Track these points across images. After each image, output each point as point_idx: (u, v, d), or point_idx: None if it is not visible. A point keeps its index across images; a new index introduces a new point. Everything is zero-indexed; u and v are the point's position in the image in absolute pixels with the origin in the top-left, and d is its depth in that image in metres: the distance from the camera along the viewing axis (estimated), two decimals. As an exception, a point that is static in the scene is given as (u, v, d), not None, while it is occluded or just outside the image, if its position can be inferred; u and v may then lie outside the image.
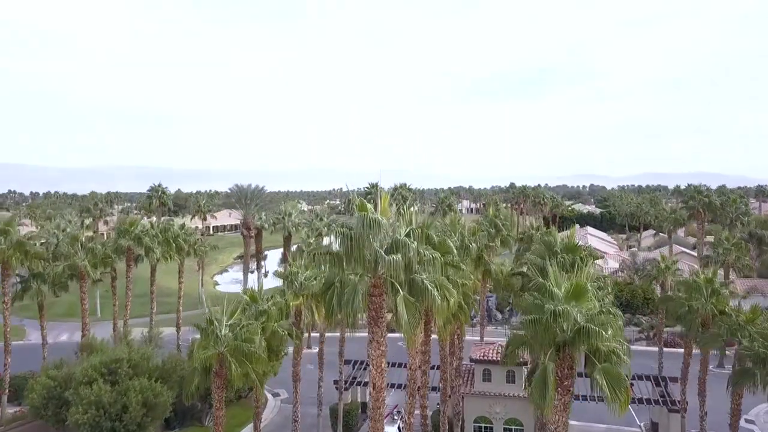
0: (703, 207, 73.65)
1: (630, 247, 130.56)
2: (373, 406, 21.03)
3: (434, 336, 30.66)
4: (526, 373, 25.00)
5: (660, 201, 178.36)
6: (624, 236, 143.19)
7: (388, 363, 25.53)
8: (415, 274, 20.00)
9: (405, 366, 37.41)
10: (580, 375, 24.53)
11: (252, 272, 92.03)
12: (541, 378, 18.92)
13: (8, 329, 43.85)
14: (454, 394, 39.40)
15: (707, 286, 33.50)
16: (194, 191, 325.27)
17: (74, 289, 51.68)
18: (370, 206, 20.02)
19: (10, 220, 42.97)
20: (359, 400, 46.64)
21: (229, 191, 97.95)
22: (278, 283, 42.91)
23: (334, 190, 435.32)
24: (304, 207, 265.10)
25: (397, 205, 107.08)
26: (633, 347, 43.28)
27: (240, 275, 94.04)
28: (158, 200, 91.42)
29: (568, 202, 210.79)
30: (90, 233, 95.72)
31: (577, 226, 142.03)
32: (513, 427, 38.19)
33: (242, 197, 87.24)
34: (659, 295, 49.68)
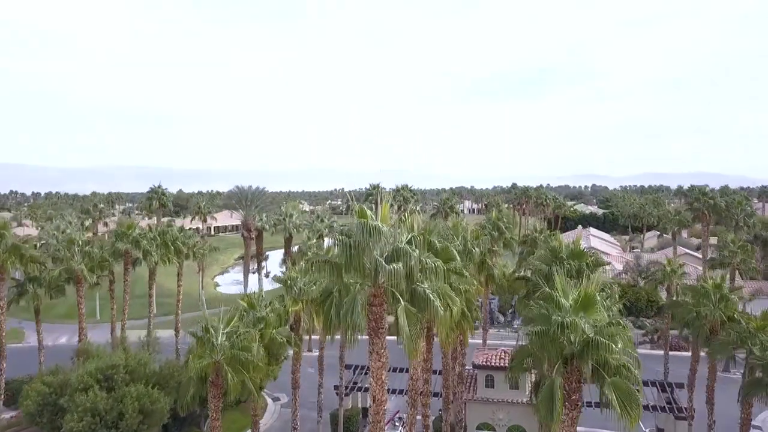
0: (708, 209, 72.88)
1: (633, 248, 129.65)
2: (373, 419, 20.35)
3: (436, 339, 30.02)
4: (530, 381, 24.28)
5: (663, 202, 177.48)
6: (627, 237, 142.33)
7: (389, 368, 24.90)
8: (417, 284, 19.26)
9: (406, 371, 36.81)
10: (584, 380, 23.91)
11: (253, 272, 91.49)
12: (548, 393, 18.22)
13: (3, 334, 43.21)
14: (456, 401, 38.75)
15: (716, 291, 32.73)
16: (195, 191, 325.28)
17: (73, 291, 51.18)
18: (370, 213, 19.30)
19: (5, 224, 42.33)
20: (360, 405, 45.97)
21: (229, 192, 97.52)
22: (279, 284, 42.41)
23: (335, 190, 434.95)
24: (306, 207, 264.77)
25: (398, 206, 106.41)
26: (637, 350, 42.57)
27: (241, 276, 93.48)
28: (158, 201, 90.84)
29: (570, 203, 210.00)
30: (90, 234, 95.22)
31: (580, 227, 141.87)
32: (516, 434, 37.53)
33: (242, 199, 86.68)
34: (665, 299, 48.87)
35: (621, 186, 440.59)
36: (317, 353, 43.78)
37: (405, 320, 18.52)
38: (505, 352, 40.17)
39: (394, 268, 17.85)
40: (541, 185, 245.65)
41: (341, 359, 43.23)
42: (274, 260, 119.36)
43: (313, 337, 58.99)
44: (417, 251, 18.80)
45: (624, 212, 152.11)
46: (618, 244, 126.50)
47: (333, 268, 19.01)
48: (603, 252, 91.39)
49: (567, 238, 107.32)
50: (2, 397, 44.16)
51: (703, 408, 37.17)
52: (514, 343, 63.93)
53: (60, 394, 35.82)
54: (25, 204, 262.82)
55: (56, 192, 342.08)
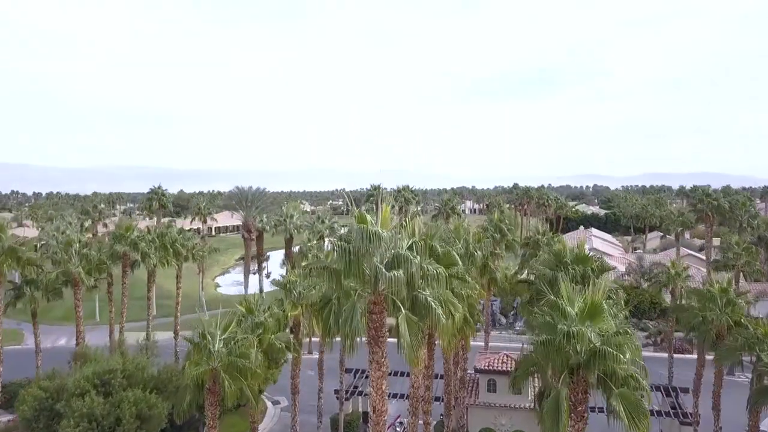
0: (712, 210, 72.22)
1: (635, 249, 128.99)
2: (373, 430, 19.82)
3: (438, 342, 29.49)
4: (533, 385, 23.73)
5: (665, 202, 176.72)
6: (629, 238, 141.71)
7: (390, 372, 24.41)
8: (419, 291, 18.73)
9: (407, 375, 36.31)
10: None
11: (254, 273, 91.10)
12: (553, 404, 17.66)
13: (0, 337, 42.76)
14: (458, 406, 38.25)
15: (722, 295, 32.15)
16: (196, 192, 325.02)
17: (71, 294, 50.73)
18: (369, 218, 18.77)
19: (1, 226, 41.88)
20: (361, 410, 45.46)
21: (230, 193, 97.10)
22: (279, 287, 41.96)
23: (336, 190, 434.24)
24: (307, 208, 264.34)
25: (399, 207, 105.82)
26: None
27: (242, 277, 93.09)
28: (158, 202, 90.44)
29: (571, 203, 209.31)
30: (90, 235, 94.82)
31: (582, 227, 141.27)
32: (519, 439, 36.96)
33: (243, 199, 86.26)
34: (669, 302, 48.30)
35: (622, 186, 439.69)
36: (317, 356, 43.27)
37: (406, 329, 18.00)
38: (507, 356, 39.64)
39: (394, 275, 17.33)
40: (542, 185, 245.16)
41: (341, 363, 42.75)
42: (275, 260, 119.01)
43: (313, 339, 58.52)
44: (418, 257, 18.27)
45: (626, 213, 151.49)
46: (620, 244, 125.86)
47: (332, 275, 18.52)
48: (605, 253, 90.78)
49: (569, 238, 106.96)
50: (0, 400, 43.74)
51: (708, 413, 36.62)
52: (516, 345, 63.71)
53: (57, 399, 35.35)
54: (27, 204, 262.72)
55: (57, 192, 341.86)
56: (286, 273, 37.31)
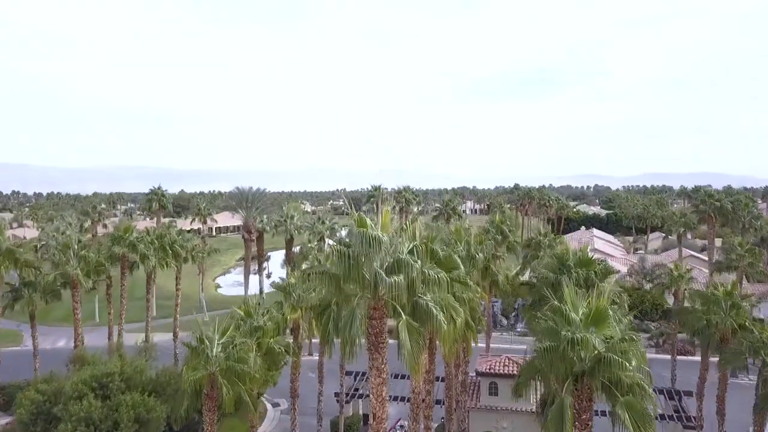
0: (714, 211, 71.77)
1: (637, 249, 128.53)
2: (373, 439, 19.47)
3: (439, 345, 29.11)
4: (535, 389, 23.32)
5: (666, 203, 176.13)
6: (631, 239, 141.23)
7: (390, 375, 24.07)
8: (419, 297, 18.35)
9: (408, 377, 35.97)
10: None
11: (254, 273, 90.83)
12: (557, 413, 17.29)
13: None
14: (459, 409, 37.91)
15: (726, 299, 31.74)
16: (197, 192, 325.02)
17: (70, 295, 50.43)
18: (369, 221, 18.41)
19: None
20: (361, 412, 45.13)
21: (230, 193, 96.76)
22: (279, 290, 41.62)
23: (337, 190, 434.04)
24: (308, 208, 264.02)
25: (400, 208, 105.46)
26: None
27: (243, 277, 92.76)
28: (158, 203, 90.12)
29: (572, 203, 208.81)
30: (89, 236, 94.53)
31: (583, 228, 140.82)
32: (521, 443, 36.63)
33: (243, 200, 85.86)
34: (672, 304, 47.87)
35: (623, 186, 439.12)
36: (318, 357, 42.91)
37: (406, 335, 17.63)
38: (509, 359, 39.32)
39: (395, 280, 16.97)
40: (543, 185, 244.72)
41: (342, 365, 42.39)
42: (276, 260, 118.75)
43: (314, 340, 58.15)
44: (419, 262, 17.91)
45: (627, 213, 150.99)
46: (622, 245, 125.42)
47: (331, 280, 18.15)
48: (607, 254, 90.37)
49: (570, 239, 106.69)
50: (-1, 402, 43.46)
51: (712, 417, 36.20)
52: (518, 347, 63.42)
53: (54, 403, 35.07)
54: (27, 204, 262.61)
55: (58, 193, 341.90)
56: (287, 276, 36.93)
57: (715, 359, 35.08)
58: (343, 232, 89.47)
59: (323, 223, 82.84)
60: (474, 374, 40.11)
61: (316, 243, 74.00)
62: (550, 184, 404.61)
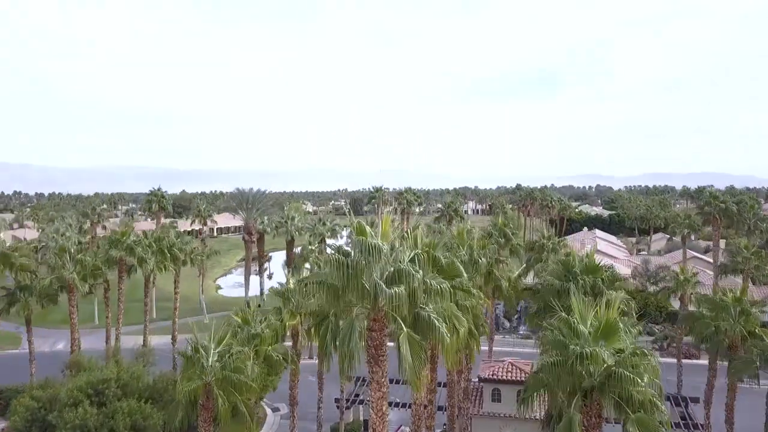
0: (719, 213, 70.90)
1: (640, 251, 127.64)
2: (372, 455, 18.78)
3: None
4: (541, 406, 22.61)
5: (669, 203, 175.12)
6: (633, 240, 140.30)
7: (391, 380, 23.39)
8: (421, 308, 17.61)
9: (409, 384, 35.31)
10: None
11: (255, 274, 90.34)
12: (565, 431, 16.57)
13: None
14: (461, 416, 37.24)
15: (735, 305, 30.94)
16: (198, 192, 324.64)
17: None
18: (369, 230, 17.69)
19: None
20: (362, 418, 44.43)
21: (230, 194, 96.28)
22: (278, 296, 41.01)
23: (339, 190, 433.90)
24: (309, 208, 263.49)
25: (402, 210, 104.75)
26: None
27: (243, 278, 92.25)
28: (158, 204, 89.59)
29: (574, 203, 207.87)
30: (89, 237, 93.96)
31: (585, 228, 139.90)
32: (524, 451, 35.92)
33: (243, 201, 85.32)
34: (679, 308, 47.03)
35: (625, 186, 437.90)
36: (318, 360, 42.24)
37: (408, 349, 16.90)
38: (512, 364, 38.64)
39: (395, 291, 16.25)
40: (545, 186, 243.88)
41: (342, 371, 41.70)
42: (278, 261, 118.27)
43: (314, 343, 57.44)
44: (421, 272, 17.18)
45: (630, 214, 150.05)
46: (624, 246, 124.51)
47: (329, 290, 17.43)
48: (610, 255, 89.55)
49: (573, 240, 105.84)
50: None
51: (720, 424, 35.45)
52: (520, 350, 62.70)
53: (49, 410, 34.48)
54: (29, 205, 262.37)
55: (59, 193, 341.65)
56: (286, 280, 36.25)
57: (723, 363, 34.37)
58: (345, 233, 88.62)
59: (324, 224, 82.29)
60: (477, 380, 39.45)
61: (316, 245, 73.36)
62: (552, 185, 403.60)
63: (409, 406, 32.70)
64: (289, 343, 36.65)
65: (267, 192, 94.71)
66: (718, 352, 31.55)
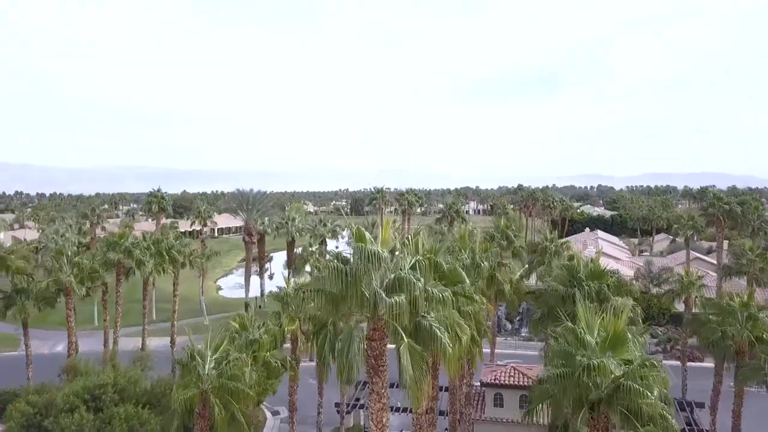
0: (723, 214, 70.21)
1: (642, 251, 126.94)
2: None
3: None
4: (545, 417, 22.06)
5: (671, 204, 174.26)
6: (636, 241, 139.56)
7: (392, 384, 22.88)
8: (422, 317, 17.04)
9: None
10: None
11: (257, 275, 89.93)
12: (572, 445, 16.04)
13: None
14: (463, 421, 36.72)
15: (742, 310, 30.32)
16: (199, 192, 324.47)
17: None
18: (368, 236, 17.15)
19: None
20: (363, 423, 43.92)
21: (231, 195, 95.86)
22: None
23: (340, 190, 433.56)
24: (311, 208, 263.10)
25: (403, 211, 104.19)
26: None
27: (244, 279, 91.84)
28: (157, 205, 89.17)
29: (576, 204, 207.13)
30: (88, 239, 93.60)
31: (588, 229, 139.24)
32: (527, 457, 35.36)
33: (243, 202, 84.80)
34: (684, 312, 46.38)
35: (627, 186, 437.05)
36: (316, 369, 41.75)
37: (408, 359, 16.35)
38: (514, 369, 38.13)
39: (395, 301, 15.71)
40: (547, 186, 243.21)
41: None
42: (279, 261, 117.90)
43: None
44: (422, 280, 16.63)
45: (632, 215, 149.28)
46: (627, 247, 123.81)
47: (327, 298, 16.87)
48: (613, 257, 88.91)
49: (575, 241, 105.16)
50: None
51: (725, 428, 34.87)
52: (522, 352, 62.14)
53: (45, 415, 33.93)
54: (30, 205, 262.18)
55: (60, 193, 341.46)
56: (285, 284, 35.72)
57: (734, 381, 33.74)
58: (346, 233, 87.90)
59: (324, 225, 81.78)
60: (478, 384, 38.94)
61: (317, 247, 72.86)
62: (554, 185, 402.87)
63: (410, 411, 32.22)
64: (288, 345, 36.21)
65: (268, 192, 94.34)
66: (725, 358, 30.91)
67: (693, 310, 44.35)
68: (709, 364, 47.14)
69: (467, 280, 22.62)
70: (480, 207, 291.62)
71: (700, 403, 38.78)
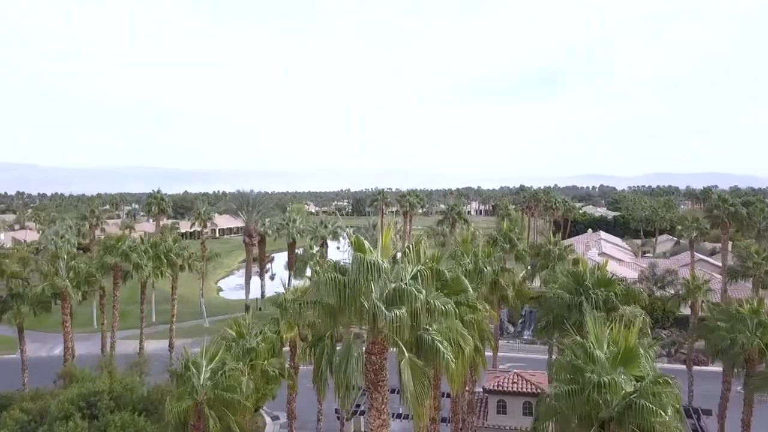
0: (729, 217, 69.34)
1: (645, 253, 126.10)
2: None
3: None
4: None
5: (674, 204, 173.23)
6: (639, 242, 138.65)
7: (393, 390, 22.25)
8: (424, 330, 16.33)
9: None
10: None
11: (257, 274, 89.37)
12: (582, 465, 15.33)
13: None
14: (466, 428, 36.05)
15: (752, 317, 29.53)
16: (201, 192, 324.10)
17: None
18: (368, 245, 16.45)
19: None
20: (363, 429, 43.25)
21: (231, 196, 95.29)
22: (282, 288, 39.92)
23: (341, 190, 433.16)
24: (312, 209, 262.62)
25: (404, 212, 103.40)
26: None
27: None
28: (157, 206, 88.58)
29: (578, 204, 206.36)
30: (88, 240, 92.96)
31: (590, 230, 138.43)
32: (531, 465, 34.70)
33: (243, 204, 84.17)
34: (690, 318, 45.58)
35: (629, 187, 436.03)
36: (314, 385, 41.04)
37: (410, 375, 15.65)
38: (518, 375, 37.46)
39: (396, 314, 15.00)
40: (549, 187, 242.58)
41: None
42: (280, 262, 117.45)
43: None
44: (424, 292, 15.92)
45: (635, 216, 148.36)
46: (630, 249, 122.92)
47: (325, 310, 16.17)
48: (616, 258, 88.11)
49: (577, 242, 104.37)
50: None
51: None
52: (525, 355, 61.42)
53: (39, 423, 33.28)
54: (32, 205, 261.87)
55: (61, 194, 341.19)
56: (284, 289, 35.06)
57: (742, 388, 33.03)
58: (348, 232, 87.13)
59: (326, 227, 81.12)
60: (481, 390, 38.27)
61: (317, 249, 72.20)
62: (555, 185, 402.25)
63: (411, 418, 31.55)
64: (287, 348, 35.54)
65: (269, 193, 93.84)
66: (734, 366, 30.13)
67: (699, 315, 43.60)
68: (713, 368, 46.35)
69: (470, 290, 21.88)
70: (482, 207, 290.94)
71: (707, 411, 37.97)
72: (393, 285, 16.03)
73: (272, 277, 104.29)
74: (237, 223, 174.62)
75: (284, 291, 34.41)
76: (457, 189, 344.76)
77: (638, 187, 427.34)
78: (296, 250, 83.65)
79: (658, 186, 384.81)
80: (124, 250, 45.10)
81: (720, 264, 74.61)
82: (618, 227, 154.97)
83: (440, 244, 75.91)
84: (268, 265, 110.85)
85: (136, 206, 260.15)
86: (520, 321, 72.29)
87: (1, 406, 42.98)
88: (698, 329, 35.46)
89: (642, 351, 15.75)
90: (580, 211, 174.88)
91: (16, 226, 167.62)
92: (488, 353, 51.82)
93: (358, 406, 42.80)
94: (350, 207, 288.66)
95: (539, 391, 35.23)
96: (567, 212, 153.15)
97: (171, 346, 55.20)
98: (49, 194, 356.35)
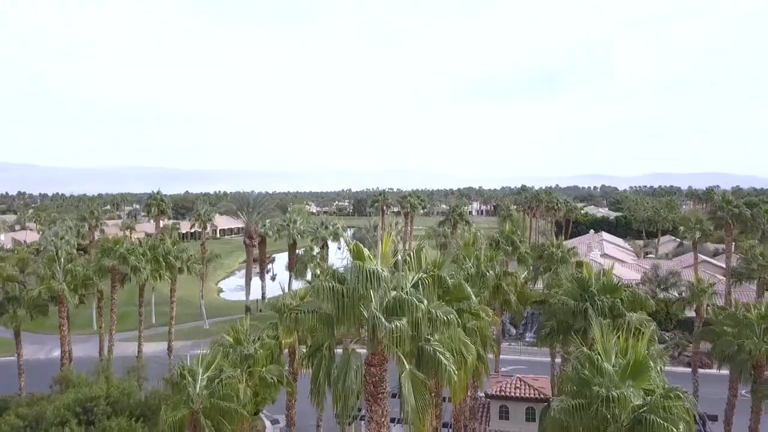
0: (732, 218, 68.69)
1: (647, 254, 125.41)
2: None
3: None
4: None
5: (676, 205, 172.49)
6: (641, 243, 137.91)
7: (393, 395, 21.78)
8: (426, 340, 15.79)
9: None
10: None
11: (257, 275, 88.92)
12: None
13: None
14: (467, 434, 35.54)
15: (760, 322, 28.93)
16: (202, 192, 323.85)
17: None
18: (367, 252, 15.90)
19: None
20: (363, 434, 42.76)
21: (231, 197, 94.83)
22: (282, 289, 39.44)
23: (343, 190, 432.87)
24: (313, 209, 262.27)
25: (406, 213, 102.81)
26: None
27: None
28: (157, 207, 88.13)
29: (579, 204, 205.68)
30: (87, 242, 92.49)
31: (592, 231, 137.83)
32: (533, 472, 34.20)
33: (243, 205, 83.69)
34: (695, 322, 44.99)
35: (630, 187, 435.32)
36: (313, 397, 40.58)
37: (410, 388, 15.10)
38: (520, 380, 36.99)
39: (396, 326, 14.46)
40: (550, 187, 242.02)
41: (343, 385, 39.97)
42: (281, 262, 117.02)
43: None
44: (425, 301, 15.36)
45: (637, 216, 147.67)
46: (632, 249, 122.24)
47: (322, 320, 15.62)
48: (618, 259, 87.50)
49: (579, 243, 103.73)
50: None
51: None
52: (526, 358, 60.89)
53: (36, 428, 32.83)
54: (32, 205, 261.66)
55: (62, 194, 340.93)
56: (283, 294, 34.54)
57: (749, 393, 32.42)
58: (349, 233, 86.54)
59: (326, 228, 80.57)
60: (483, 395, 37.79)
61: (318, 251, 71.69)
62: (556, 185, 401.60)
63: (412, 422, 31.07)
64: (286, 350, 35.06)
65: (269, 193, 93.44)
66: (742, 372, 29.54)
67: (704, 318, 43.04)
68: (717, 371, 45.76)
69: (473, 297, 21.31)
70: (483, 208, 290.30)
71: (713, 416, 37.34)
72: (393, 294, 15.47)
73: (273, 278, 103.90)
74: (237, 223, 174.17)
75: (283, 295, 33.93)
76: (458, 189, 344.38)
77: (639, 187, 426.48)
78: (297, 251, 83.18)
79: (659, 186, 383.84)
80: (121, 252, 44.63)
81: (723, 265, 73.97)
82: (620, 228, 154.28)
83: (442, 246, 75.35)
84: (269, 266, 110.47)
85: (137, 206, 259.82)
86: (522, 323, 71.68)
87: (3, 408, 42.60)
88: (704, 334, 34.87)
89: (651, 363, 15.19)
90: (582, 212, 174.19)
91: (17, 227, 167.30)
92: (490, 356, 51.45)
93: (359, 410, 42.30)
94: (351, 207, 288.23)
95: (542, 396, 34.79)
96: (569, 213, 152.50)
97: (170, 348, 54.71)
98: (50, 194, 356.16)
